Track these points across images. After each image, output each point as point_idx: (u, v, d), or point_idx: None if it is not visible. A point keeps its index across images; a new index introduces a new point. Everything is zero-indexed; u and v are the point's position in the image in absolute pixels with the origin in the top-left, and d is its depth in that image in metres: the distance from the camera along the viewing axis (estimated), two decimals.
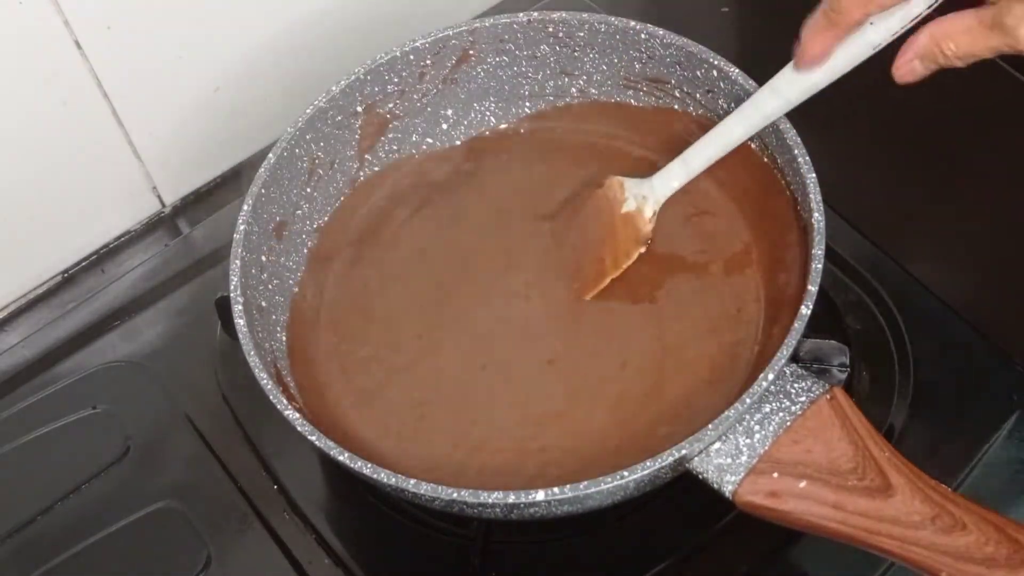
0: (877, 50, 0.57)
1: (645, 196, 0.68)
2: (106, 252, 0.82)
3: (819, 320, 0.64)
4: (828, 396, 0.58)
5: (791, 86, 0.61)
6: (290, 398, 0.62)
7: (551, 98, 0.77)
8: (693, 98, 0.71)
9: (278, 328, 0.68)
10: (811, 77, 0.59)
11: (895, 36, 0.56)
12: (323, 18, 0.83)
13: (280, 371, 0.65)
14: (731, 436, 0.57)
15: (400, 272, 0.72)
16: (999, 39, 0.51)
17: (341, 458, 0.56)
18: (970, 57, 0.53)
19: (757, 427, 0.57)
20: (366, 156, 0.75)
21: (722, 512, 0.63)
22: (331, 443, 0.57)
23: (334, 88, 0.70)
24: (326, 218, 0.73)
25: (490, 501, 0.55)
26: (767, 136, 0.67)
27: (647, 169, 0.72)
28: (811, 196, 0.62)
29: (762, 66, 0.65)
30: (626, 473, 0.54)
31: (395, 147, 0.76)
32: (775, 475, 0.56)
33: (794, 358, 0.60)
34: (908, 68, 0.55)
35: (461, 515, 0.61)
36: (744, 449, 0.57)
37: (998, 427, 0.66)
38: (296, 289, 0.71)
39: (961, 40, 0.53)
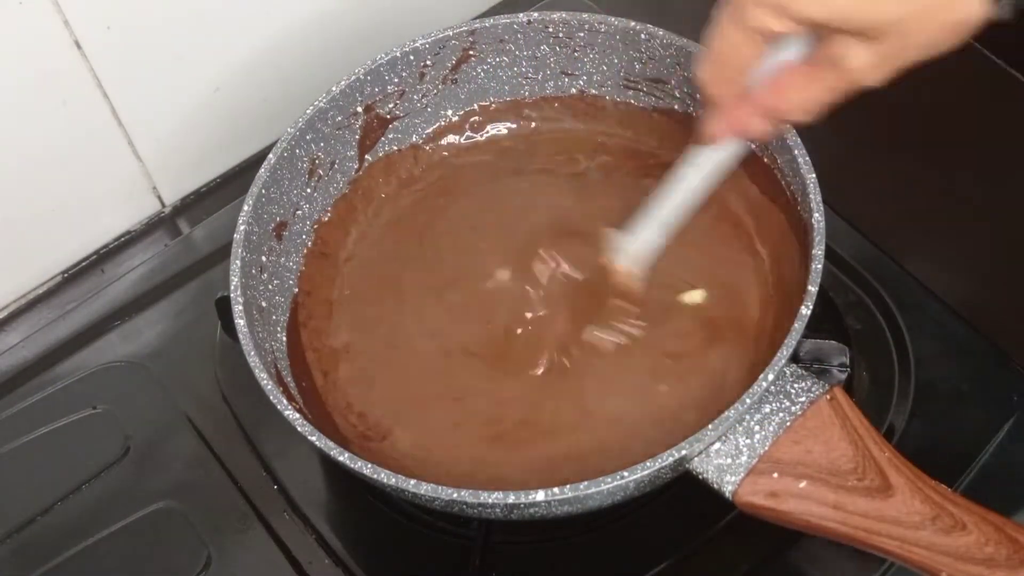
0: None
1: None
2: (106, 252, 0.82)
3: (819, 320, 0.64)
4: (828, 396, 0.58)
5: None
6: (290, 398, 0.62)
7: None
8: (693, 98, 0.71)
9: (278, 328, 0.68)
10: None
11: None
12: (323, 18, 0.83)
13: (280, 371, 0.65)
14: (731, 436, 0.57)
15: (401, 273, 0.72)
16: (832, 75, 0.51)
17: (341, 458, 0.56)
18: (811, 104, 0.53)
19: (757, 427, 0.57)
20: (366, 156, 0.75)
21: (722, 512, 0.63)
22: (331, 443, 0.57)
23: (334, 88, 0.70)
24: (326, 218, 0.73)
25: (490, 501, 0.55)
26: None
27: (646, 169, 0.72)
28: (811, 196, 0.62)
29: None
30: (626, 473, 0.54)
31: (395, 147, 0.76)
32: (775, 475, 0.56)
33: (794, 358, 0.60)
34: (745, 126, 0.56)
35: (461, 515, 0.61)
36: (744, 449, 0.57)
37: (998, 428, 0.66)
38: (296, 289, 0.71)
39: (798, 91, 0.53)
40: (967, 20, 0.48)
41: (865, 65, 0.50)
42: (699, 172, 0.62)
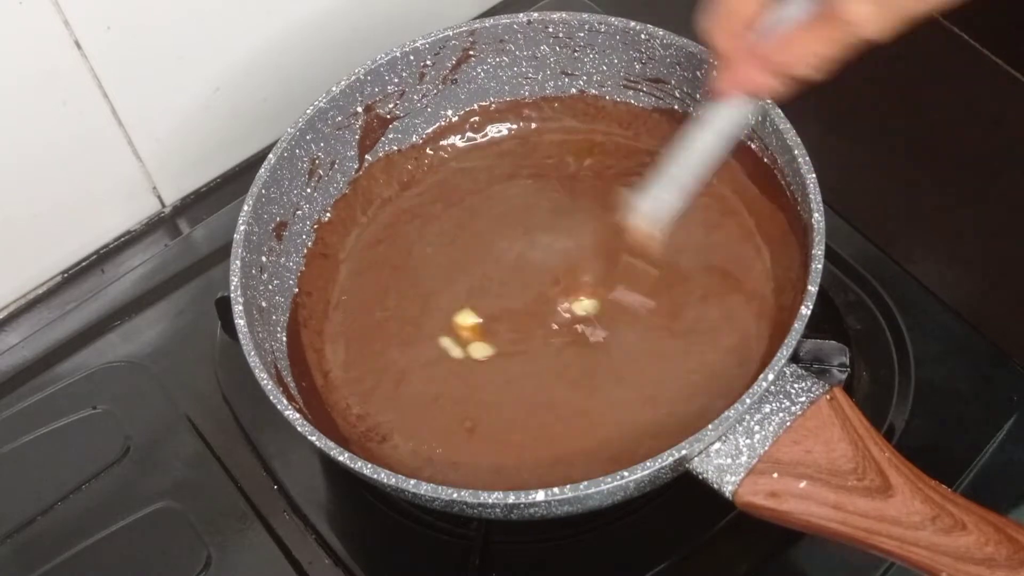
0: None
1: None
2: (106, 252, 0.82)
3: (819, 320, 0.64)
4: (828, 396, 0.58)
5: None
6: (290, 398, 0.62)
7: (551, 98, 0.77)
8: (693, 98, 0.71)
9: (278, 328, 0.68)
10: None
11: None
12: (323, 18, 0.83)
13: (280, 371, 0.65)
14: (731, 436, 0.57)
15: (401, 274, 0.72)
16: (834, 28, 0.52)
17: (341, 458, 0.56)
18: (815, 58, 0.53)
19: (757, 427, 0.57)
20: (366, 156, 0.75)
21: (722, 512, 0.63)
22: (331, 443, 0.57)
23: (334, 88, 0.70)
24: (326, 218, 0.73)
25: (490, 501, 0.55)
26: (767, 136, 0.67)
27: (642, 170, 0.72)
28: (811, 196, 0.62)
29: None
30: (626, 473, 0.54)
31: (395, 147, 0.76)
32: (775, 475, 0.56)
33: (794, 358, 0.60)
34: (753, 81, 0.56)
35: (461, 515, 0.61)
36: (744, 449, 0.57)
37: (998, 428, 0.66)
38: (296, 289, 0.71)
39: (802, 45, 0.53)
40: None
41: (866, 16, 0.50)
42: (712, 130, 0.61)
